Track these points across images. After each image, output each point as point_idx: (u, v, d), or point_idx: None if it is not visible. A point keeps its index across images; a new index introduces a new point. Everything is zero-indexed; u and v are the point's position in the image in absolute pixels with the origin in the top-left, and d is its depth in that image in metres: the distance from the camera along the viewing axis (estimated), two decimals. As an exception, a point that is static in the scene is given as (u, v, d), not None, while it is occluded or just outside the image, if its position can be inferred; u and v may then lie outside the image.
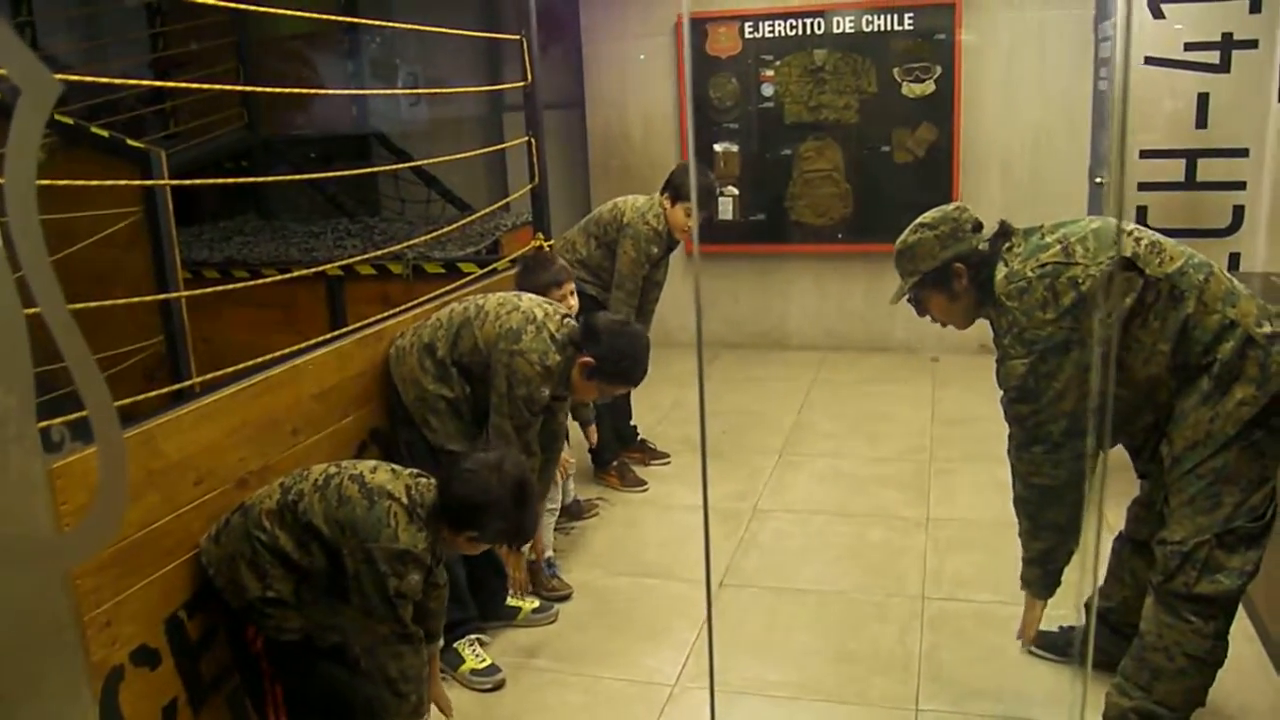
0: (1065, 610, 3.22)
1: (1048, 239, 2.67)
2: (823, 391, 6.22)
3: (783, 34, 6.73)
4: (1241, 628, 3.24)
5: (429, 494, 2.64)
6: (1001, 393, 2.73)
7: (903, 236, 2.85)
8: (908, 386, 6.20)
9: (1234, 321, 2.51)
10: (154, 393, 2.86)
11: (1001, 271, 2.69)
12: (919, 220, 2.84)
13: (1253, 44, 4.50)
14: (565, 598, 3.87)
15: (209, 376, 2.94)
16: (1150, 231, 2.67)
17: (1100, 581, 3.16)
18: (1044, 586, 2.93)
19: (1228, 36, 4.53)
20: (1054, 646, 3.24)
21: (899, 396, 6.02)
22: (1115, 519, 3.16)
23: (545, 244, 4.77)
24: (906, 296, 2.89)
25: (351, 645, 2.73)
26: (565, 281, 4.00)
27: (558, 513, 4.11)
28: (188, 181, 4.48)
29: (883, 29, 6.55)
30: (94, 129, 4.40)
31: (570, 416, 4.31)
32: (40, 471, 1.01)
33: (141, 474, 2.47)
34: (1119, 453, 2.88)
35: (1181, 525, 2.57)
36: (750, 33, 6.79)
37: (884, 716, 3.09)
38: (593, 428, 4.57)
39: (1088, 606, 3.17)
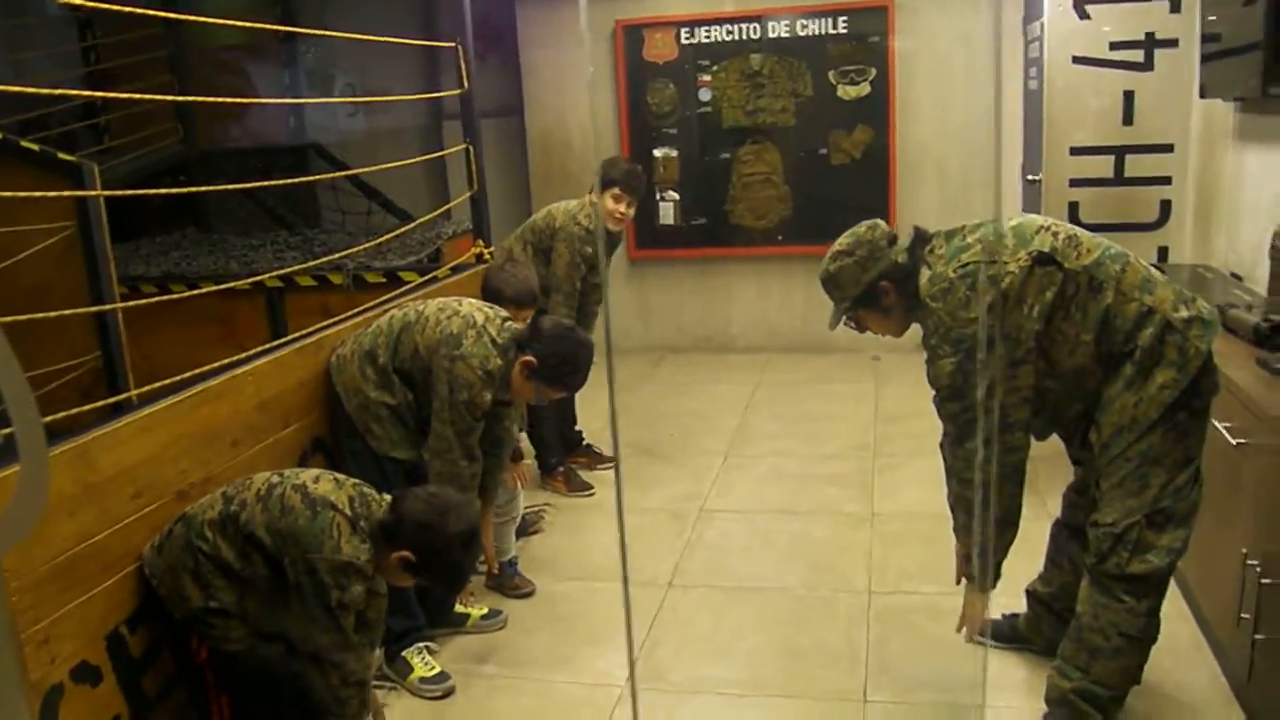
0: (1007, 598, 3.29)
1: (968, 239, 2.73)
2: (767, 392, 6.27)
3: (719, 39, 6.79)
4: (1177, 608, 3.32)
5: (375, 507, 2.62)
6: (934, 392, 2.78)
7: (824, 266, 2.89)
8: (850, 385, 6.27)
9: (1151, 308, 2.58)
10: (90, 406, 2.81)
11: (925, 275, 2.74)
12: (835, 248, 2.87)
13: (1173, 43, 4.63)
14: (529, 594, 3.90)
15: (146, 389, 2.90)
16: (1067, 225, 2.74)
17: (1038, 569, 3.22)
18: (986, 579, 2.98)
19: (1150, 36, 4.66)
20: (998, 634, 3.29)
21: (842, 395, 6.09)
22: (1052, 506, 3.22)
23: (486, 251, 4.77)
24: (843, 320, 2.94)
25: (296, 653, 2.70)
26: (526, 305, 3.89)
27: (518, 521, 4.10)
28: (121, 192, 4.41)
29: (817, 33, 6.65)
30: (24, 143, 4.32)
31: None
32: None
33: (78, 488, 2.44)
34: (1053, 440, 2.94)
35: (1112, 508, 2.63)
36: (687, 38, 6.85)
37: (833, 709, 3.12)
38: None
39: (1029, 592, 3.24)
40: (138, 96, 3.97)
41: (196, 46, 7.09)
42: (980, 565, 2.85)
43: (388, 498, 2.67)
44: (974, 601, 2.98)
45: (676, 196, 7.05)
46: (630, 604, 3.76)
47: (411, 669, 3.36)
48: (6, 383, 0.70)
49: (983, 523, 2.65)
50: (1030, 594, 3.24)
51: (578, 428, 5.17)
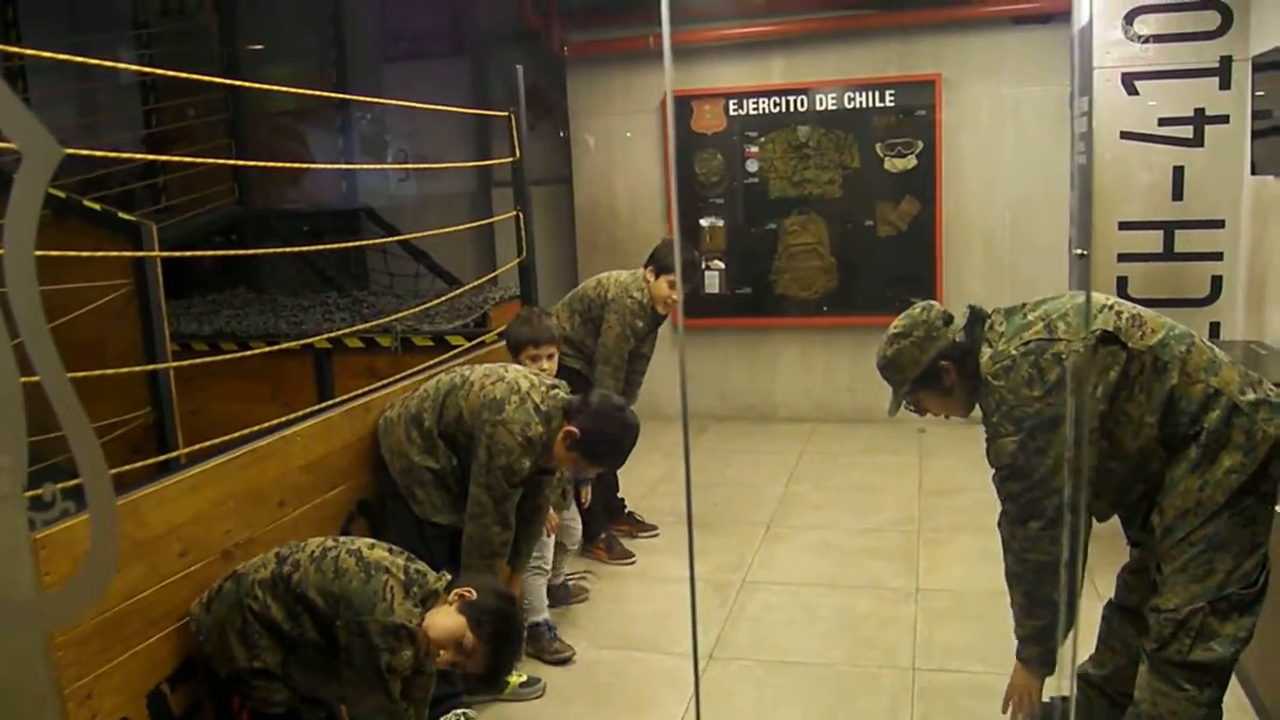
0: (1057, 680, 3.20)
1: (1030, 316, 2.69)
2: (811, 463, 6.22)
3: (767, 111, 6.87)
4: (1236, 698, 3.22)
5: (431, 579, 2.63)
6: (993, 470, 2.74)
7: (880, 350, 2.87)
8: (895, 458, 6.20)
9: (1218, 390, 2.53)
10: (140, 464, 2.84)
11: (986, 353, 2.70)
12: (891, 331, 2.86)
13: (1224, 119, 4.61)
14: (568, 659, 3.87)
15: (196, 447, 2.93)
16: (1130, 304, 2.70)
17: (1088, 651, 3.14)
18: (1044, 663, 2.91)
19: (1200, 111, 4.64)
20: (1045, 717, 3.20)
21: (887, 467, 6.03)
22: (1103, 586, 3.15)
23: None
24: (904, 404, 2.91)
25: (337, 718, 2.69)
26: (545, 343, 3.94)
27: (548, 574, 4.07)
28: (177, 253, 4.50)
29: (865, 105, 6.70)
30: (86, 202, 4.43)
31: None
32: (25, 532, 1.00)
33: (126, 545, 2.45)
34: (1109, 520, 2.88)
35: (1175, 593, 2.56)
36: (735, 110, 6.92)
37: (877, 791, 3.05)
38: (586, 488, 4.53)
39: (1080, 675, 3.15)
40: (196, 160, 4.05)
41: (254, 111, 7.28)
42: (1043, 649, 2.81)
43: (447, 575, 2.67)
44: (1030, 683, 2.91)
45: (722, 266, 7.09)
46: (672, 675, 3.73)
47: (448, 736, 3.32)
48: (83, 457, 0.71)
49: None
50: (1082, 677, 3.15)
51: (620, 495, 5.14)
